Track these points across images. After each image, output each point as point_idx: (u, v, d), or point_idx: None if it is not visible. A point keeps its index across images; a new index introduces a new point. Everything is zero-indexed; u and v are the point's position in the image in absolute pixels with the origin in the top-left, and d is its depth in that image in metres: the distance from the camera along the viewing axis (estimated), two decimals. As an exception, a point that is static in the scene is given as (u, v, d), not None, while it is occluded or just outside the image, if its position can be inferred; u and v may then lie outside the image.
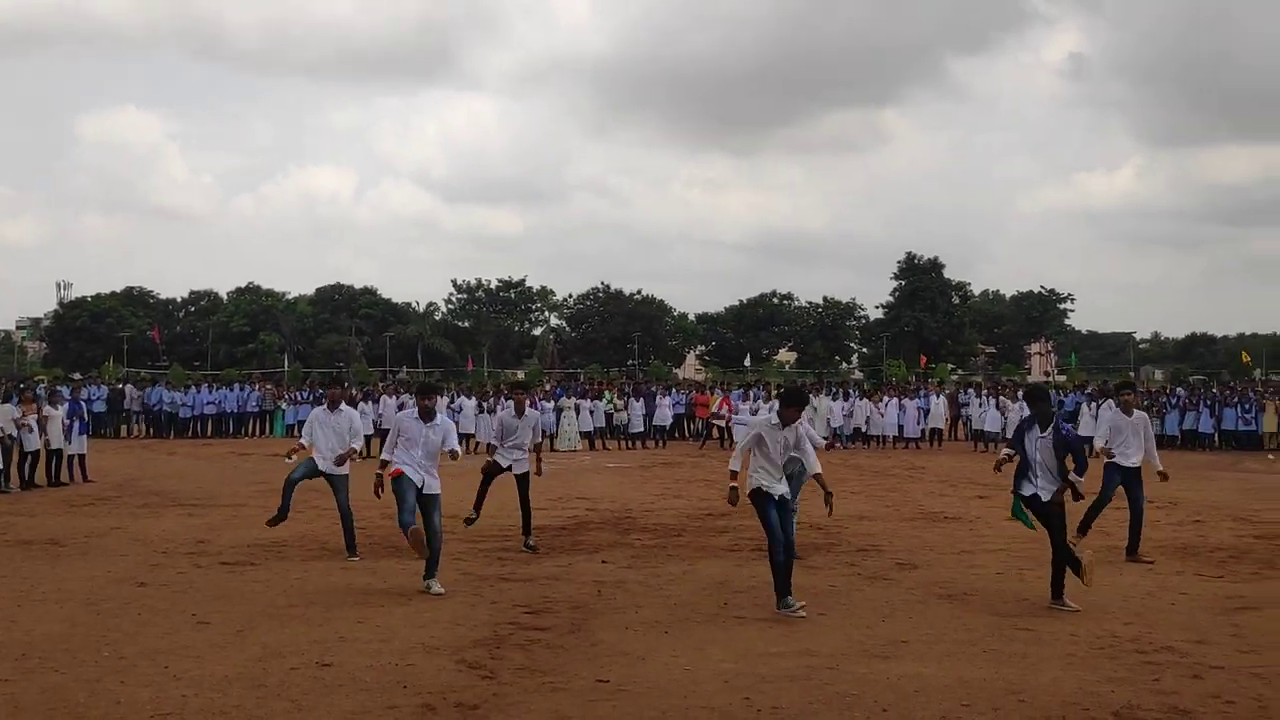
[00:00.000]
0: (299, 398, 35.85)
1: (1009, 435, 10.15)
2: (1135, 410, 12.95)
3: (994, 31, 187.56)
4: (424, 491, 10.41)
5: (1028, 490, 9.82)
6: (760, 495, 9.43)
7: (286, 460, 12.17)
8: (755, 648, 8.15)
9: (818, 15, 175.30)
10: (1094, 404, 29.64)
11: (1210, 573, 11.47)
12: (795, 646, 8.20)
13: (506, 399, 13.15)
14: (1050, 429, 9.81)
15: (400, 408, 28.64)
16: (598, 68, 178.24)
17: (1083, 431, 27.54)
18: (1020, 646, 8.26)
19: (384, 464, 10.54)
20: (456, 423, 29.66)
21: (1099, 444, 12.88)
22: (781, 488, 9.56)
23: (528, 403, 13.26)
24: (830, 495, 10.17)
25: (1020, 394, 30.64)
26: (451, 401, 30.80)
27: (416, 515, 10.22)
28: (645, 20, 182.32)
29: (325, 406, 12.31)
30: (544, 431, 29.78)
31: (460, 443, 24.80)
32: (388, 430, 11.29)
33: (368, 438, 19.41)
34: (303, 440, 12.22)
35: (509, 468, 12.73)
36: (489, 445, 13.25)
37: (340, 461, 11.91)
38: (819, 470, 10.08)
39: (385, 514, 10.54)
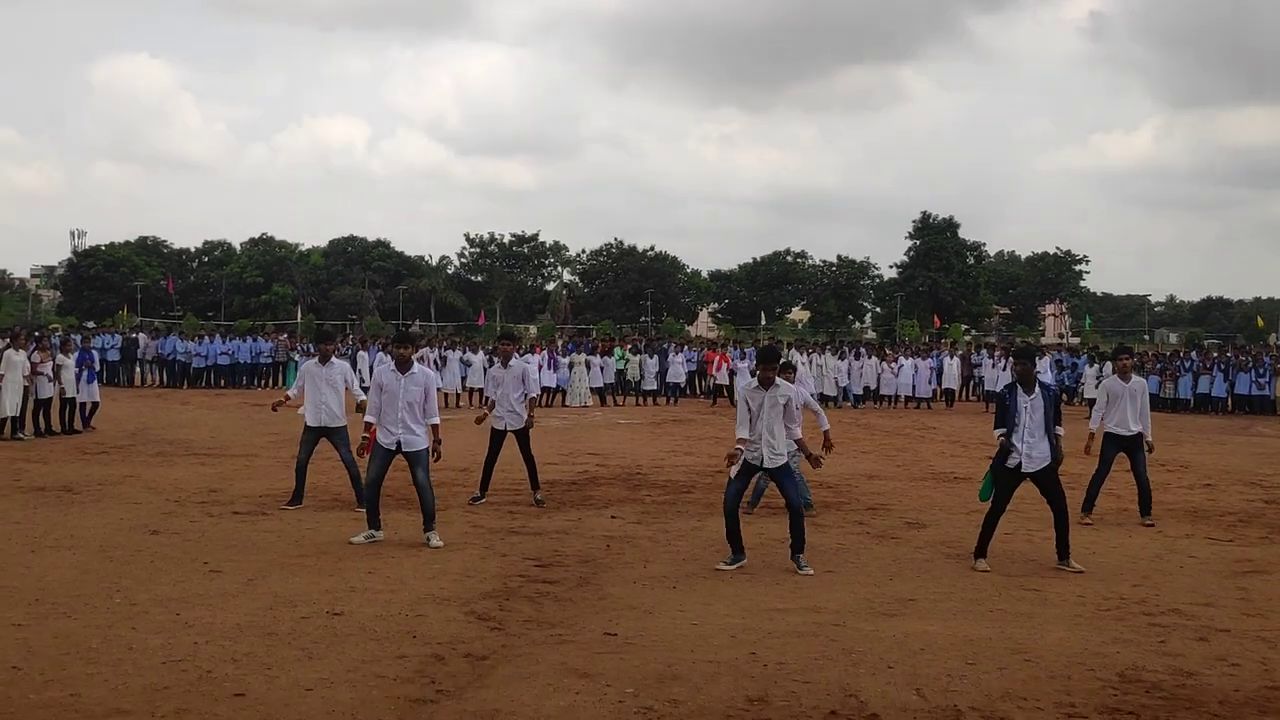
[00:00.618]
0: (312, 349, 35.92)
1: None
2: (1133, 376, 12.63)
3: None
4: (404, 449, 10.27)
5: (1013, 462, 9.56)
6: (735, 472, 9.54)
7: (273, 411, 12.33)
8: (762, 603, 8.19)
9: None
10: (1097, 364, 29.71)
11: (1220, 536, 11.47)
12: (802, 603, 8.24)
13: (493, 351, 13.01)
14: (1038, 390, 9.73)
15: (419, 360, 28.77)
16: (612, 20, 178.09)
17: (1087, 395, 27.57)
18: (1027, 606, 8.28)
19: (368, 426, 10.42)
20: (464, 377, 30.03)
21: (1094, 420, 12.61)
22: (771, 454, 9.46)
23: (514, 353, 13.28)
24: (813, 457, 9.84)
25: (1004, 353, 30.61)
26: (462, 355, 30.94)
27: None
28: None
29: (317, 360, 12.34)
30: (558, 386, 30.12)
31: (468, 396, 24.66)
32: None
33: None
34: (290, 392, 12.33)
35: (505, 429, 12.74)
36: (486, 399, 13.21)
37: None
38: (798, 436, 9.89)
39: (395, 466, 10.55)
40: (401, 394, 10.26)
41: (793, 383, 11.28)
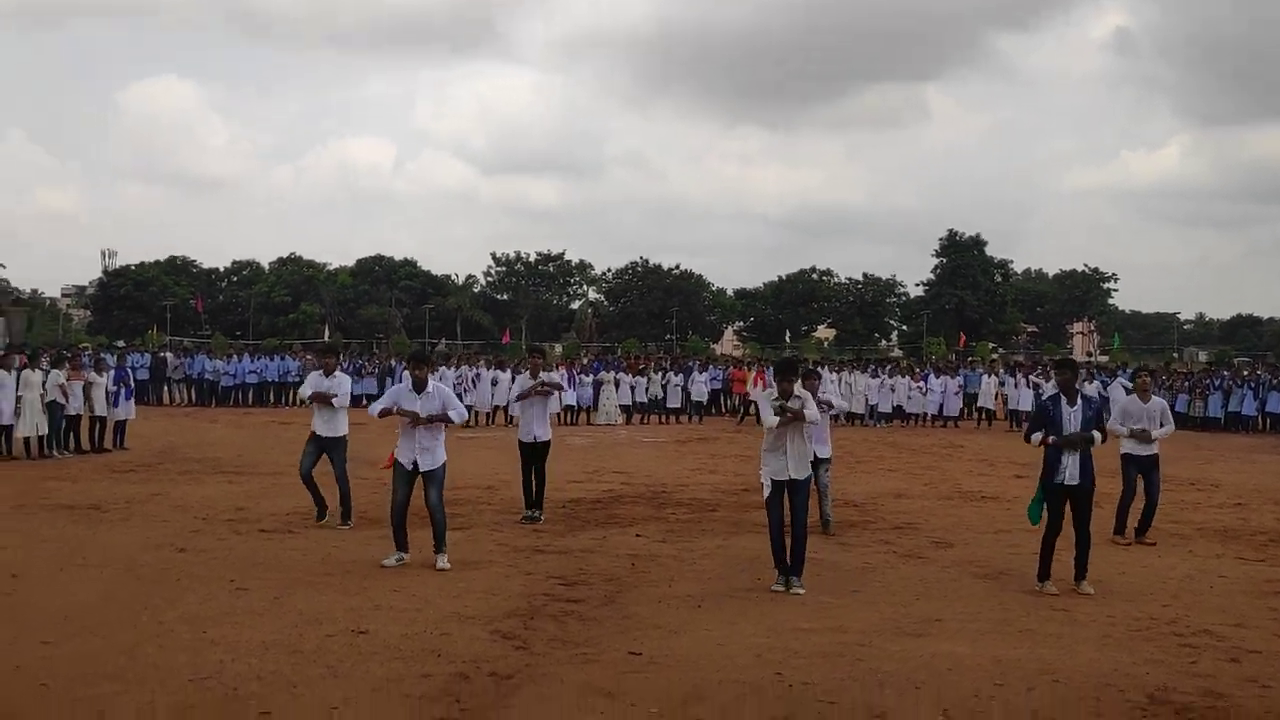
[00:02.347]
0: (356, 365, 36.25)
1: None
2: (1152, 396, 12.53)
3: (1039, 6, 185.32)
4: (420, 469, 10.24)
5: (1059, 477, 9.47)
6: (769, 496, 9.46)
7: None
8: (788, 623, 8.15)
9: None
10: (1095, 381, 29.61)
11: (1251, 556, 11.34)
12: (828, 623, 8.19)
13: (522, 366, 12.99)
14: (1080, 401, 9.64)
15: (459, 380, 28.87)
16: (635, 41, 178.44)
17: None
18: (1056, 627, 8.21)
19: (383, 413, 10.42)
20: (493, 396, 30.05)
21: (1114, 428, 12.44)
22: (793, 469, 9.35)
23: (543, 368, 13.28)
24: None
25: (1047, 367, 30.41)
26: (493, 375, 30.88)
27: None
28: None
29: (320, 372, 12.48)
30: (578, 404, 30.16)
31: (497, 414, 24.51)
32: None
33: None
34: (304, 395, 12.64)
35: (534, 440, 12.75)
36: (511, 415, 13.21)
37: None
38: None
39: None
40: (420, 412, 10.25)
41: (816, 391, 11.33)
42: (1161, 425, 12.24)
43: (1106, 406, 26.31)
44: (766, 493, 9.48)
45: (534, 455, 12.72)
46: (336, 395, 12.15)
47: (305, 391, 12.58)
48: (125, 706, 6.03)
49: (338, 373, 12.58)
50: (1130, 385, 15.05)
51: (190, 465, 18.07)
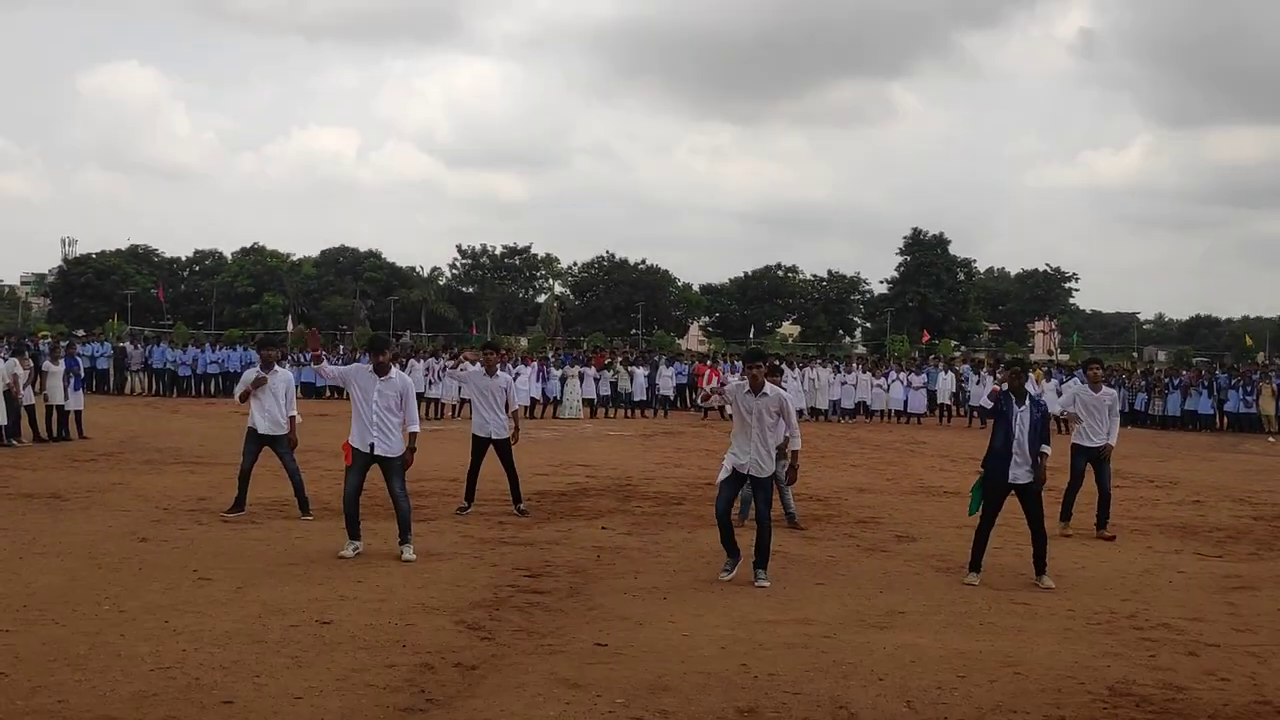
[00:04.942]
0: (302, 359, 35.89)
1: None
2: (1103, 387, 12.65)
3: (1005, 5, 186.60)
4: (377, 454, 9.93)
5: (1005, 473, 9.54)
6: (725, 477, 9.55)
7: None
8: (753, 615, 8.18)
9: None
10: (1053, 380, 30.00)
11: (1209, 552, 11.49)
12: (793, 615, 8.23)
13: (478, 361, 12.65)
14: (1028, 403, 9.69)
15: (428, 372, 28.74)
16: (602, 33, 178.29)
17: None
18: (1017, 620, 8.29)
19: (242, 397, 10.22)
20: (460, 388, 29.95)
21: (1055, 409, 12.59)
22: (756, 461, 9.39)
23: (498, 364, 13.20)
24: (791, 468, 9.90)
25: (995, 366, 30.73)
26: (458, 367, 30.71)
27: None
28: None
29: (259, 367, 12.35)
30: (545, 397, 30.15)
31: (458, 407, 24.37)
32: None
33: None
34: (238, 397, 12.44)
35: (488, 437, 12.68)
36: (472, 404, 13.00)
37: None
38: (797, 447, 9.88)
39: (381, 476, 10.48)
40: (377, 397, 9.92)
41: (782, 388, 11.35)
42: (1111, 416, 12.38)
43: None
44: (724, 475, 9.54)
45: (497, 452, 12.65)
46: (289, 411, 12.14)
47: (240, 389, 12.36)
48: (86, 694, 5.98)
49: (278, 367, 12.47)
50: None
51: (152, 455, 17.93)
